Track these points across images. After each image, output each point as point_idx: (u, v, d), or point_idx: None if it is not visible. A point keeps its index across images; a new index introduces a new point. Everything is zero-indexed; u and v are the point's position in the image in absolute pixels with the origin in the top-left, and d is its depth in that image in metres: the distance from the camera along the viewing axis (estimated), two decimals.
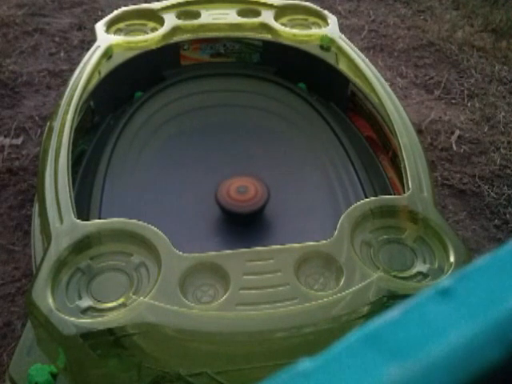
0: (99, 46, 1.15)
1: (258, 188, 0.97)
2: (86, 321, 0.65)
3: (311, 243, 0.75)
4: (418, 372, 0.19)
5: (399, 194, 0.91)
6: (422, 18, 2.35)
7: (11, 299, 1.15)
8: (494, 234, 1.38)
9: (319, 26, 1.31)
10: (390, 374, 0.19)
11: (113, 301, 0.68)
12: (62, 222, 0.76)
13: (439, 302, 0.22)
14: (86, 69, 1.07)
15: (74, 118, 0.95)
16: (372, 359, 0.20)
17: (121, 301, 0.68)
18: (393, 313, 0.22)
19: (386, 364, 0.20)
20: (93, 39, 1.23)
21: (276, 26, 1.28)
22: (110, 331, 0.64)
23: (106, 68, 1.16)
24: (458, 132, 1.68)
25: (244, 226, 0.99)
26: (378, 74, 1.13)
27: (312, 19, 1.34)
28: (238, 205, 0.95)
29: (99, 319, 0.65)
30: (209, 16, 1.29)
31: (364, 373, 0.19)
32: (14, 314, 1.12)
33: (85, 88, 1.04)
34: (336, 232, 0.76)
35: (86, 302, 0.67)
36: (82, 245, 0.73)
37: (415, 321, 0.21)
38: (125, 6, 1.38)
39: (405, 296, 0.68)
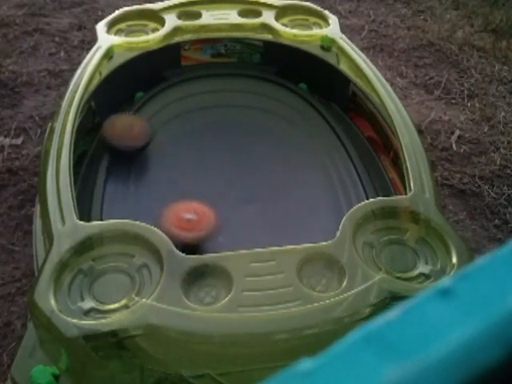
0: (100, 47, 1.15)
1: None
2: (88, 322, 0.65)
3: (313, 244, 0.75)
4: (417, 372, 0.19)
5: (401, 195, 0.91)
6: (421, 18, 2.35)
7: (11, 299, 1.14)
8: (494, 234, 1.38)
9: (320, 27, 1.31)
10: (389, 374, 0.19)
11: (115, 302, 0.68)
12: (64, 224, 0.75)
13: (439, 302, 0.22)
14: (87, 69, 1.07)
15: (75, 118, 0.95)
16: (372, 359, 0.20)
17: (123, 302, 0.68)
18: (393, 313, 0.22)
19: (386, 364, 0.19)
20: (93, 39, 1.23)
21: (277, 26, 1.28)
22: (112, 333, 0.64)
23: (106, 68, 1.16)
24: (457, 132, 1.69)
25: None
26: (379, 74, 1.13)
27: (313, 19, 1.34)
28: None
29: (102, 321, 0.65)
30: (210, 16, 1.29)
31: (364, 373, 0.19)
32: (13, 314, 1.12)
33: (86, 89, 1.04)
34: (338, 233, 0.76)
35: (88, 304, 0.67)
36: (84, 246, 0.73)
37: (415, 321, 0.21)
38: (125, 6, 1.37)
39: (407, 297, 0.68)
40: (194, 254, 0.78)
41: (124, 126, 1.09)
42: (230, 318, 0.67)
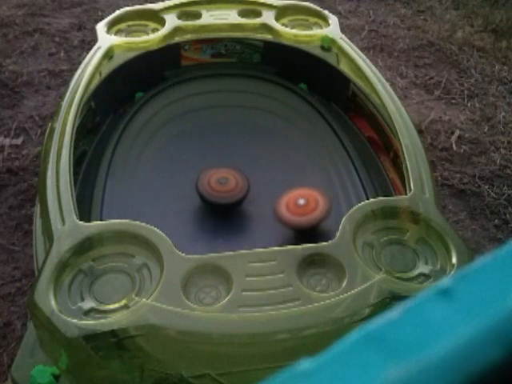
0: (100, 47, 1.15)
1: (238, 179, 0.99)
2: (88, 322, 0.65)
3: (313, 244, 0.75)
4: (417, 372, 0.19)
5: (400, 195, 0.91)
6: (422, 17, 2.35)
7: (11, 299, 1.15)
8: (494, 234, 1.38)
9: (320, 27, 1.31)
10: (389, 374, 0.19)
11: (115, 302, 0.68)
12: (64, 224, 0.75)
13: (439, 302, 0.22)
14: (87, 69, 1.07)
15: (75, 118, 0.95)
16: (372, 359, 0.20)
17: (123, 302, 0.68)
18: (393, 313, 0.22)
19: (386, 364, 0.19)
20: (93, 39, 1.23)
21: (277, 26, 1.28)
22: (112, 333, 0.64)
23: (106, 69, 1.16)
24: (457, 132, 1.69)
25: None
26: (379, 75, 1.13)
27: (313, 19, 1.34)
28: (218, 195, 0.98)
29: (102, 321, 0.65)
30: (210, 16, 1.29)
31: (364, 373, 0.19)
32: (14, 314, 1.12)
33: (86, 89, 1.03)
34: (338, 233, 0.76)
35: (88, 304, 0.67)
36: (84, 246, 0.73)
37: (415, 321, 0.21)
38: (125, 6, 1.37)
39: (407, 297, 0.68)
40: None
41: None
42: (229, 318, 0.67)
